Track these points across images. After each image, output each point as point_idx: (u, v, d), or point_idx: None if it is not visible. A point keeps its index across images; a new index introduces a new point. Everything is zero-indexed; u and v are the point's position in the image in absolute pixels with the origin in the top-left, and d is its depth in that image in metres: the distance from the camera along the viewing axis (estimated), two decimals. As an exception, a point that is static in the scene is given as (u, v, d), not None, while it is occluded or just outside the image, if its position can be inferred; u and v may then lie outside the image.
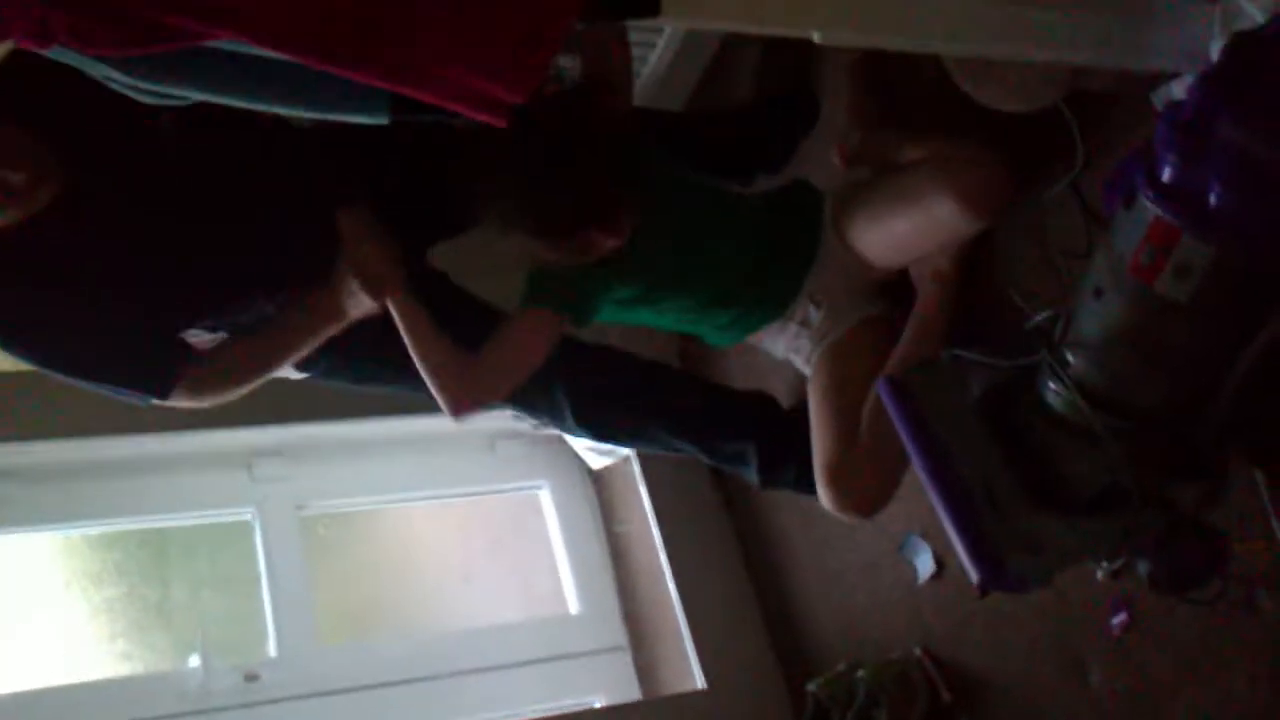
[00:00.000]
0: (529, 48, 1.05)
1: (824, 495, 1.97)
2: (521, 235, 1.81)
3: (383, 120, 1.19)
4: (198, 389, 1.87)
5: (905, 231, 1.94)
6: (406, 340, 1.90)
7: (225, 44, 1.08)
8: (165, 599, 2.92)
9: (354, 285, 1.84)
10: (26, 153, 1.62)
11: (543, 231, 1.81)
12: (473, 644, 2.97)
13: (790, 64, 2.31)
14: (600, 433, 2.27)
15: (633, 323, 2.13)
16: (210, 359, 1.88)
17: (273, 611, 2.82)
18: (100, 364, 1.82)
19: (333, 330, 1.89)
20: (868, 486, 1.94)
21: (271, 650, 2.79)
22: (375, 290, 1.84)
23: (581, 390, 2.13)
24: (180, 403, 1.87)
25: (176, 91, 1.16)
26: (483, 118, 1.10)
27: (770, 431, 2.23)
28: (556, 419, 2.19)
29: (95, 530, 2.94)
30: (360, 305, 1.86)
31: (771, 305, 2.06)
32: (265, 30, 1.03)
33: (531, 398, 2.12)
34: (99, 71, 1.12)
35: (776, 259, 2.03)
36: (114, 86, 1.16)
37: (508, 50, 1.04)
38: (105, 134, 1.68)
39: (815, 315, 2.05)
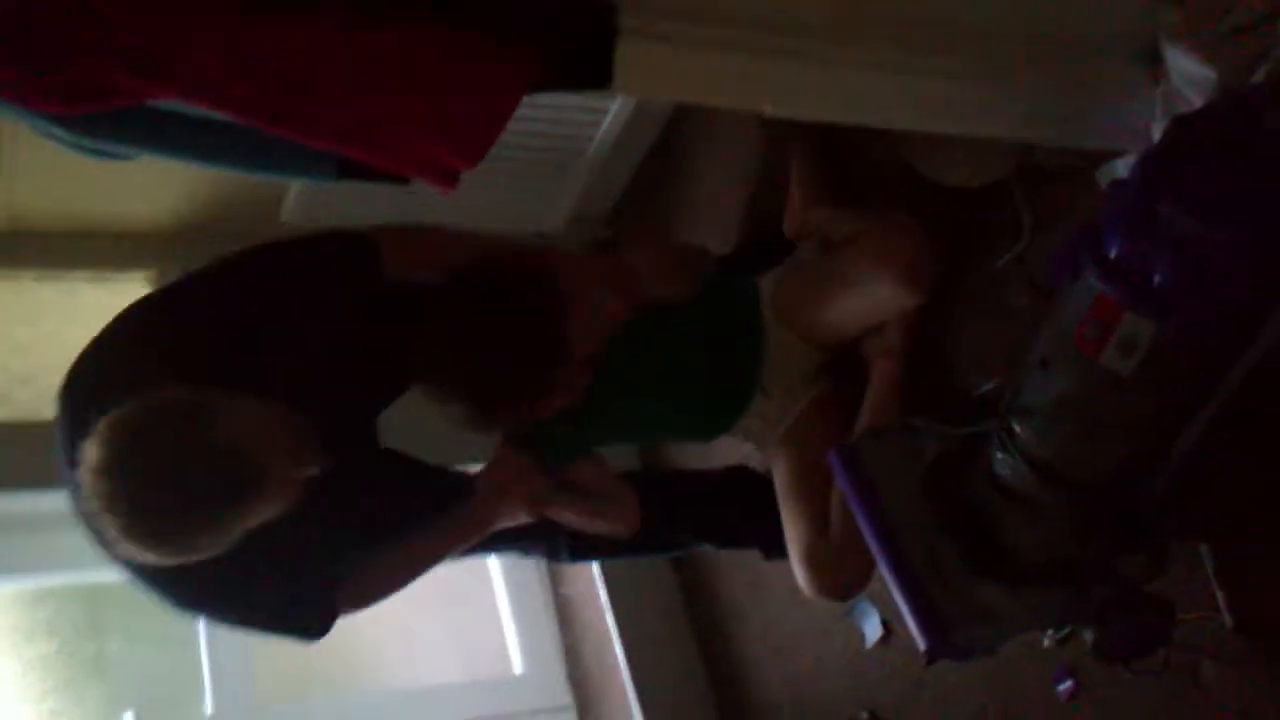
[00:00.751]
0: (482, 117, 1.05)
1: (803, 582, 1.99)
2: (457, 409, 1.82)
3: (330, 181, 1.18)
4: (351, 607, 1.87)
5: (845, 312, 1.96)
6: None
7: (172, 104, 1.07)
8: (100, 655, 2.86)
9: (510, 502, 1.92)
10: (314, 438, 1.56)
11: (475, 408, 1.81)
12: (414, 704, 2.93)
13: (775, 209, 2.29)
14: (592, 560, 2.47)
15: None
16: (358, 576, 1.86)
17: (210, 669, 2.77)
18: (271, 617, 1.80)
19: (478, 539, 1.96)
20: (846, 572, 1.96)
21: (208, 709, 2.74)
22: (530, 503, 1.94)
23: (574, 534, 2.14)
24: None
25: (121, 149, 1.15)
26: (431, 182, 1.09)
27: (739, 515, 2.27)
28: (553, 557, 2.23)
29: (28, 585, 2.87)
30: (511, 517, 1.95)
31: (736, 411, 2.08)
32: (211, 92, 1.02)
33: (527, 545, 2.18)
34: (40, 127, 1.11)
35: (728, 371, 2.05)
36: (56, 144, 1.15)
37: (461, 118, 1.04)
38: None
39: (766, 404, 2.06)
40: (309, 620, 1.81)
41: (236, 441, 1.42)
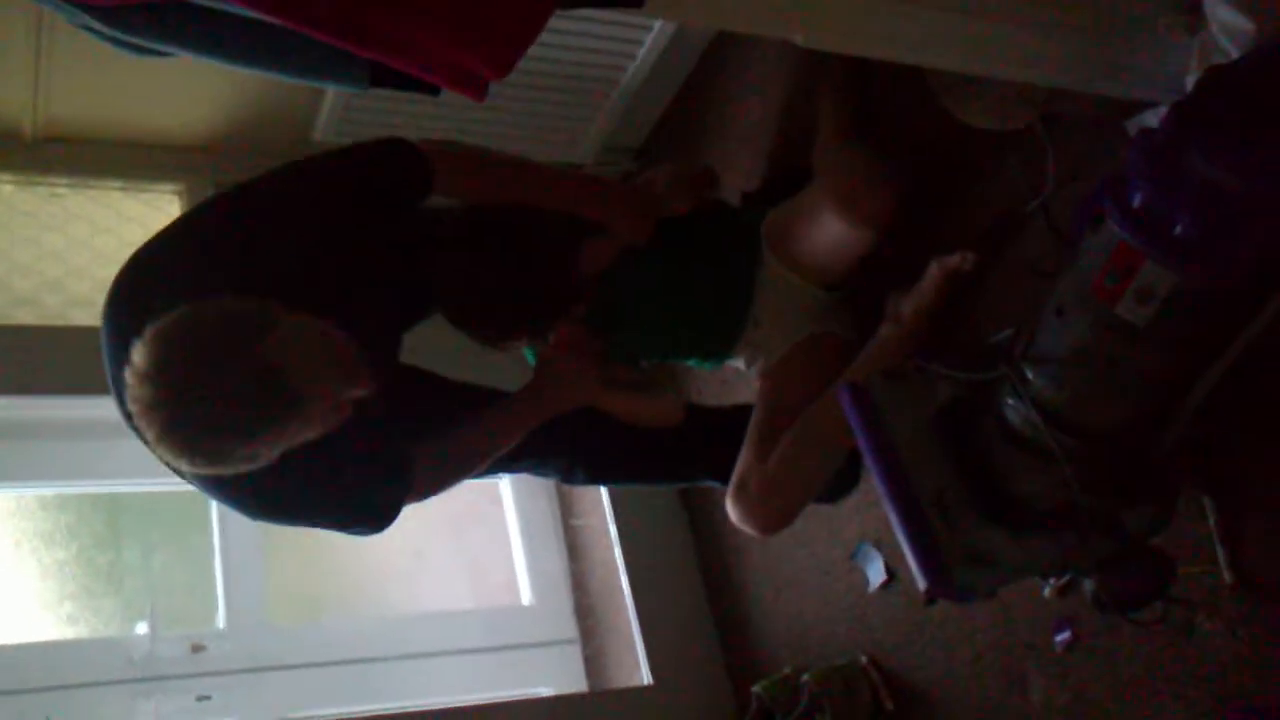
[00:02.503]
0: (511, 27, 1.05)
1: (729, 509, 2.01)
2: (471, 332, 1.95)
3: (363, 87, 1.19)
4: (420, 492, 1.87)
5: (811, 245, 1.99)
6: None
7: (210, 2, 1.07)
8: (116, 564, 2.90)
9: (570, 382, 1.99)
10: (365, 365, 1.56)
11: (480, 339, 1.95)
12: (422, 629, 2.97)
13: (795, 146, 2.31)
14: (607, 484, 2.48)
15: None
16: (424, 462, 1.86)
17: (224, 584, 2.81)
18: (333, 518, 1.81)
19: (536, 424, 1.99)
20: (767, 507, 1.97)
21: (220, 622, 2.78)
22: (585, 390, 2.02)
23: (592, 453, 2.18)
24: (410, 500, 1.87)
25: (159, 46, 1.16)
26: (460, 90, 1.10)
27: None
28: (568, 477, 2.23)
29: (49, 491, 2.91)
30: (566, 403, 2.01)
31: (726, 340, 2.13)
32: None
33: (545, 460, 2.18)
34: (77, 20, 1.12)
35: (720, 304, 2.09)
36: (92, 37, 1.16)
37: (490, 27, 1.05)
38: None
39: (756, 334, 2.10)
40: (376, 512, 1.81)
41: (284, 360, 1.43)
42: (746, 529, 2.00)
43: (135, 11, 1.07)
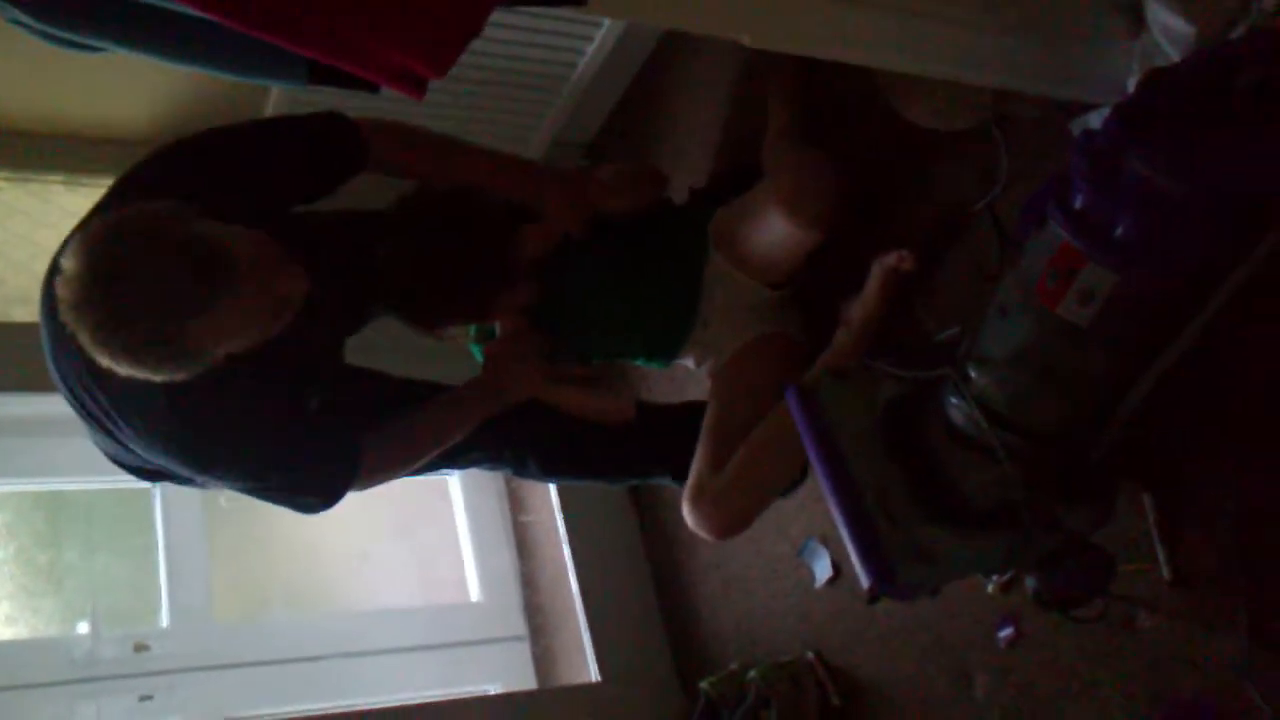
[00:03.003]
0: (449, 26, 1.04)
1: (685, 514, 2.01)
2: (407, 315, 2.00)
3: (301, 84, 1.18)
4: (368, 477, 1.87)
5: (757, 245, 1.99)
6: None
7: (144, -3, 1.05)
8: (56, 563, 2.86)
9: (518, 374, 2.01)
10: (295, 262, 1.56)
11: (417, 323, 2.00)
12: (370, 626, 2.95)
13: (744, 141, 2.31)
14: (559, 478, 2.44)
15: None
16: (373, 447, 1.86)
17: (167, 582, 2.78)
18: (282, 477, 1.78)
19: (484, 417, 2.00)
20: (722, 513, 1.97)
21: (164, 621, 2.75)
22: (531, 383, 2.04)
23: (542, 447, 2.18)
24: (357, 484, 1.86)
25: (91, 42, 1.13)
26: (398, 88, 1.09)
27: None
28: (520, 471, 2.23)
29: (-13, 489, 2.86)
30: (513, 395, 2.02)
31: (674, 339, 2.13)
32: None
33: (496, 453, 2.17)
34: (8, 14, 1.10)
35: (668, 303, 2.10)
36: (23, 32, 1.13)
37: (428, 27, 1.04)
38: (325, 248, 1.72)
39: (705, 334, 2.10)
40: (322, 484, 1.81)
41: (215, 238, 1.41)
42: (703, 534, 2.00)
43: (65, 6, 1.05)
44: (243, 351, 1.53)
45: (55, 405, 2.40)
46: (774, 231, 1.92)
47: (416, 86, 1.07)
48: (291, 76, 1.16)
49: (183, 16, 1.07)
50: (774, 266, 2.02)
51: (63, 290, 1.40)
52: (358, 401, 1.96)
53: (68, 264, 1.39)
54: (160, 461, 1.72)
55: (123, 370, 1.43)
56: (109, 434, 1.71)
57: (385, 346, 2.15)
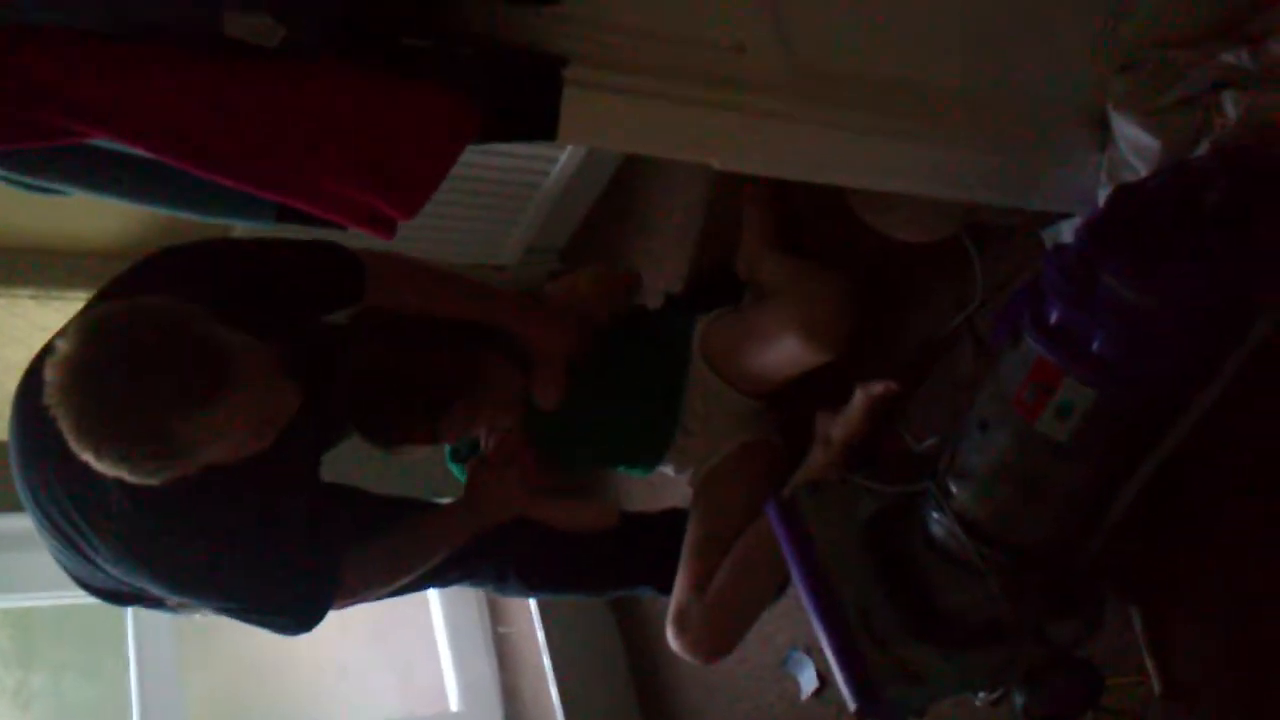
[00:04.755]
0: (418, 171, 1.03)
1: (670, 638, 1.99)
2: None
3: (269, 224, 1.17)
4: (348, 597, 1.84)
5: (760, 363, 1.98)
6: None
7: (106, 144, 1.05)
8: (24, 685, 2.79)
9: (504, 491, 1.97)
10: (292, 380, 1.54)
11: (370, 438, 1.97)
12: (349, 741, 2.89)
13: (719, 246, 2.32)
14: (541, 593, 2.41)
15: None
16: (353, 567, 1.83)
17: (139, 702, 2.71)
18: (262, 595, 1.73)
19: (468, 538, 1.97)
20: (710, 637, 1.95)
21: (136, 744, 2.68)
22: (518, 503, 2.00)
23: (525, 563, 2.16)
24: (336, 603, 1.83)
25: (53, 186, 1.12)
26: (368, 231, 1.08)
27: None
28: (500, 587, 2.21)
29: (-47, 609, 2.80)
30: (498, 516, 1.98)
31: (656, 449, 2.12)
32: (146, 135, 1.00)
33: (478, 570, 2.16)
34: (-32, 163, 1.09)
35: (649, 415, 2.09)
36: (-15, 179, 1.12)
37: (396, 172, 1.03)
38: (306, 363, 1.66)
39: (688, 442, 2.09)
40: (301, 605, 1.76)
41: (223, 341, 1.38)
42: (689, 659, 1.98)
43: (27, 155, 1.04)
44: (223, 463, 1.49)
45: (19, 521, 2.37)
46: (783, 352, 1.91)
47: (385, 228, 1.06)
48: (258, 216, 1.16)
49: (143, 161, 1.06)
50: (768, 382, 2.01)
51: (52, 372, 1.36)
52: (336, 520, 1.93)
53: (64, 345, 1.35)
54: (131, 580, 1.68)
55: (103, 466, 1.38)
56: (78, 553, 1.67)
57: (362, 460, 2.13)
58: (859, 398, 1.92)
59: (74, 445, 1.37)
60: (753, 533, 1.94)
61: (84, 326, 1.37)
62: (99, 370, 1.34)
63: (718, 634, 1.94)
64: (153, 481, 1.42)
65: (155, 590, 1.68)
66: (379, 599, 1.96)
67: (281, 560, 1.71)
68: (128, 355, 1.35)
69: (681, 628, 1.95)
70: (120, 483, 1.43)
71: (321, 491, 1.95)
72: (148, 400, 1.35)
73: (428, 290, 1.91)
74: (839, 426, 1.94)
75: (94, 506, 1.56)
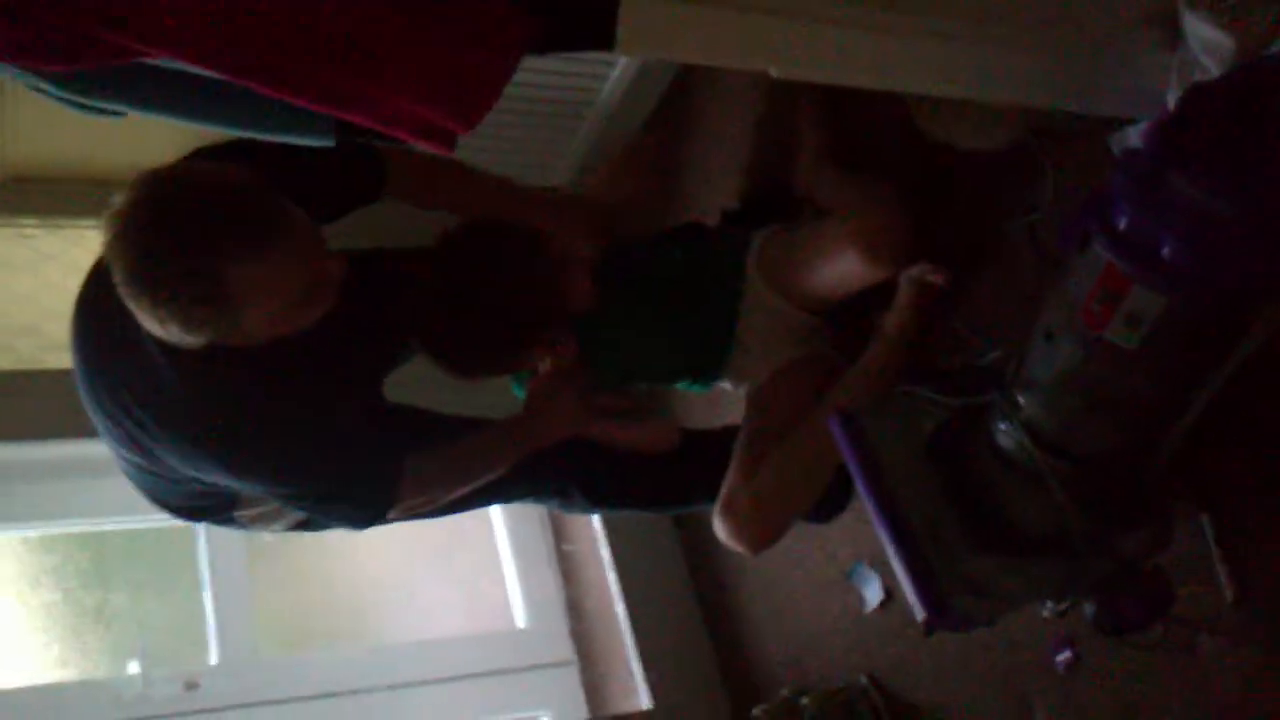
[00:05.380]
0: (476, 81, 1.02)
1: (716, 527, 2.00)
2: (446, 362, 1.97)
3: (329, 141, 1.16)
4: (411, 496, 1.85)
5: (817, 279, 1.96)
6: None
7: (164, 62, 1.04)
8: (104, 604, 2.88)
9: (554, 418, 1.99)
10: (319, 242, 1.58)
11: (452, 372, 1.97)
12: (417, 656, 2.95)
13: (778, 161, 2.28)
14: (605, 510, 2.42)
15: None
16: (417, 468, 1.85)
17: (215, 619, 2.79)
18: (332, 481, 1.76)
19: (526, 453, 1.98)
20: (756, 524, 1.96)
21: (213, 658, 2.77)
22: (576, 419, 2.01)
23: (589, 480, 2.18)
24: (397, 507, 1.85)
25: (111, 106, 1.13)
26: (426, 145, 1.07)
27: None
28: (566, 504, 2.22)
29: (33, 533, 2.88)
30: (558, 433, 2.00)
31: (714, 365, 2.11)
32: (206, 52, 1.00)
33: (541, 487, 2.18)
34: (28, 81, 1.09)
35: (706, 333, 2.07)
36: (45, 99, 1.13)
37: (454, 83, 1.02)
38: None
39: (744, 359, 2.08)
40: (363, 492, 1.79)
41: (268, 194, 1.43)
42: (734, 546, 1.99)
43: (82, 74, 1.04)
44: (269, 334, 1.54)
45: (96, 448, 2.44)
46: (842, 268, 1.89)
47: (445, 141, 1.05)
48: (316, 131, 1.15)
49: (201, 79, 1.06)
50: (829, 298, 2.00)
51: (108, 224, 1.42)
52: (396, 430, 1.96)
53: (120, 199, 1.41)
54: (193, 469, 1.71)
55: (156, 316, 1.43)
56: (142, 453, 1.70)
57: (424, 381, 2.14)
58: (903, 286, 1.91)
59: (128, 294, 1.43)
60: (801, 428, 1.94)
61: (139, 181, 1.43)
62: (155, 214, 1.40)
63: (762, 522, 1.95)
64: (203, 337, 1.47)
65: (215, 475, 1.71)
66: (439, 510, 1.98)
67: (345, 446, 1.74)
68: (183, 200, 1.41)
69: (727, 514, 1.97)
70: (172, 356, 1.51)
71: (381, 406, 1.98)
72: (201, 239, 1.40)
73: (451, 184, 1.92)
74: (891, 318, 1.93)
75: (151, 389, 1.61)
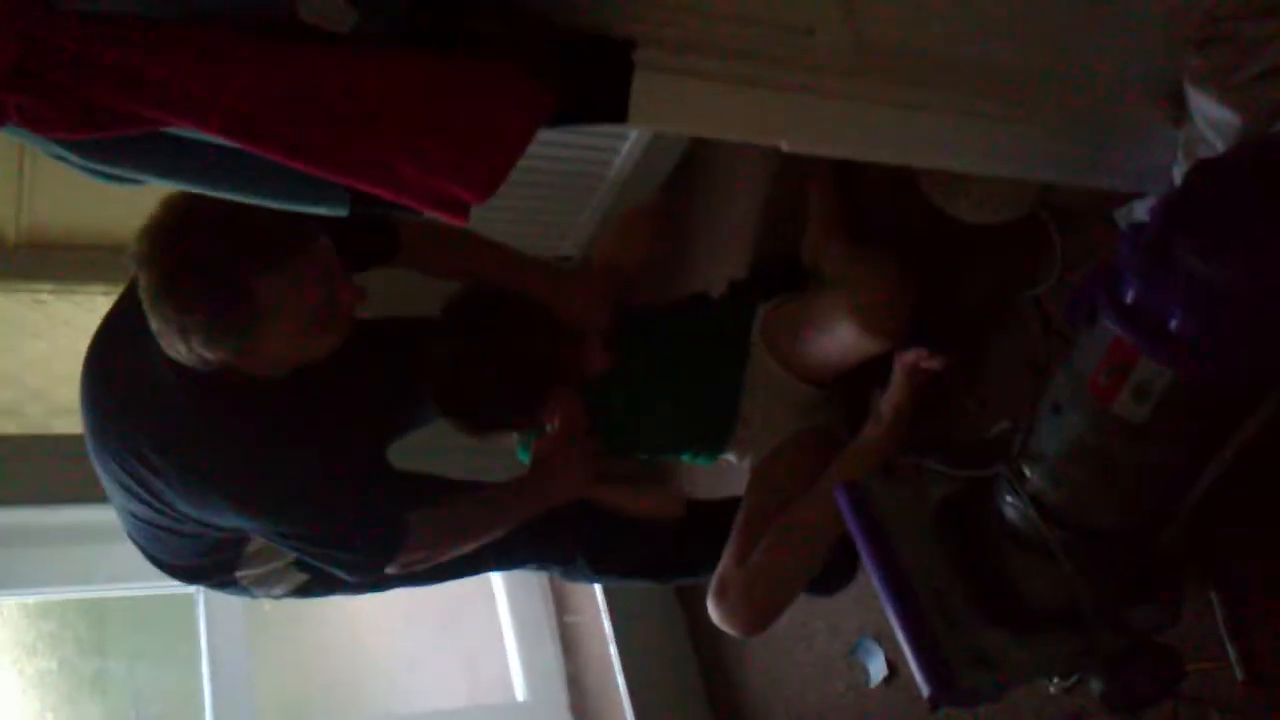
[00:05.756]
0: (492, 154, 1.04)
1: (710, 609, 1.98)
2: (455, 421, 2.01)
3: (343, 212, 1.18)
4: (415, 549, 1.84)
5: (817, 350, 1.96)
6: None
7: (183, 131, 1.06)
8: (101, 673, 2.85)
9: (563, 479, 1.99)
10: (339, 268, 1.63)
11: (461, 425, 2.01)
12: (416, 730, 2.91)
13: (784, 233, 2.31)
14: (608, 578, 2.40)
15: None
16: (422, 522, 1.84)
17: (211, 691, 2.75)
18: (342, 523, 1.77)
19: (533, 513, 1.98)
20: (743, 608, 1.94)
21: (209, 729, 2.72)
22: (586, 481, 2.01)
23: (594, 546, 2.17)
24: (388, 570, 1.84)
25: (130, 174, 1.14)
26: (441, 214, 1.08)
27: None
28: (568, 572, 2.22)
29: (31, 599, 2.86)
30: (567, 493, 2.00)
31: (718, 438, 2.11)
32: (226, 122, 1.01)
33: (544, 553, 2.17)
34: (51, 151, 1.10)
35: (711, 405, 2.08)
36: (65, 166, 1.14)
37: (470, 155, 1.03)
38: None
39: (746, 432, 2.08)
40: (369, 541, 1.78)
41: (290, 216, 1.44)
42: (727, 630, 1.97)
43: (104, 144, 1.06)
44: (287, 356, 1.58)
45: (100, 513, 2.43)
46: (841, 341, 1.89)
47: (459, 211, 1.06)
48: (331, 201, 1.16)
49: (218, 148, 1.07)
50: (829, 370, 2.00)
51: (136, 245, 1.47)
52: (402, 491, 1.95)
53: (145, 222, 1.47)
54: (199, 508, 1.70)
55: (178, 332, 1.48)
56: (152, 498, 1.70)
57: (435, 450, 2.15)
58: (896, 368, 1.91)
59: (151, 303, 1.49)
60: (795, 506, 1.93)
61: (166, 202, 1.48)
62: (183, 226, 1.46)
63: (755, 606, 1.93)
64: (223, 350, 1.50)
65: (221, 511, 1.70)
66: (438, 573, 1.97)
67: (349, 486, 1.74)
68: (208, 213, 1.45)
69: (720, 597, 1.95)
70: (187, 381, 1.54)
71: (388, 465, 1.98)
72: (227, 249, 1.46)
73: (461, 253, 1.95)
74: (884, 399, 1.93)
75: (162, 420, 1.65)
